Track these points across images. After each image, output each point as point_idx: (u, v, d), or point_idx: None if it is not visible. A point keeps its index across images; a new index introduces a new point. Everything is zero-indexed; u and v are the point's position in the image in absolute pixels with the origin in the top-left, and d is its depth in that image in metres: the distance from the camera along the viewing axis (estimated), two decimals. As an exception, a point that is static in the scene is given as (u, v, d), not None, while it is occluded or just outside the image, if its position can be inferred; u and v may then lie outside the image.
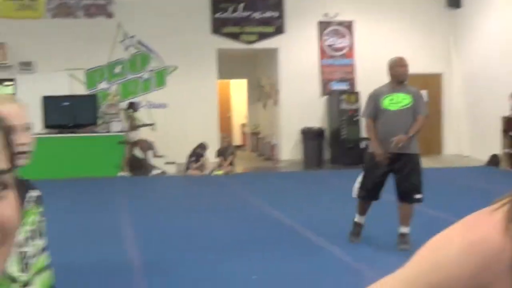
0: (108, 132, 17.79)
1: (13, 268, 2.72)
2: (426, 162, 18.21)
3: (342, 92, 19.27)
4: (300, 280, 7.30)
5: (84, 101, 18.34)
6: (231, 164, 18.35)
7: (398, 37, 20.00)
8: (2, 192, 0.96)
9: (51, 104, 17.61)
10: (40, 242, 2.85)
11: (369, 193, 8.65)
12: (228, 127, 25.38)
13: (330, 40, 20.12)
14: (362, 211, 8.79)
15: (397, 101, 8.49)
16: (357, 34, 20.17)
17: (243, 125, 26.16)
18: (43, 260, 2.86)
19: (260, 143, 22.77)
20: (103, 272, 7.67)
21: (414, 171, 8.47)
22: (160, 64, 19.39)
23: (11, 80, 18.37)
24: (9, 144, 1.01)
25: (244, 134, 26.22)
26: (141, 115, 18.84)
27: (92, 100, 18.41)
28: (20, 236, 2.73)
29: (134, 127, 17.84)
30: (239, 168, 19.14)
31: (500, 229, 1.14)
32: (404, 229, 8.46)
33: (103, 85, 19.04)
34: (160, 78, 19.44)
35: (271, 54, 20.33)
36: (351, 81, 19.72)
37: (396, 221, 8.51)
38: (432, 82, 20.41)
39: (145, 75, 19.38)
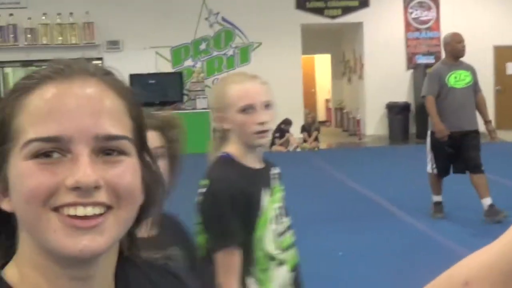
0: (194, 109, 18.08)
1: (270, 247, 2.75)
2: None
3: (428, 65, 19.07)
4: (389, 256, 7.38)
5: (170, 78, 18.76)
6: (316, 139, 18.52)
7: (484, 8, 19.76)
8: (118, 157, 1.03)
9: (138, 82, 17.96)
10: (286, 219, 2.89)
11: (443, 170, 8.77)
12: (313, 102, 25.53)
13: (415, 13, 20.01)
14: (438, 191, 8.91)
15: (461, 79, 8.61)
16: (443, 6, 20.03)
17: (327, 101, 26.25)
18: (290, 237, 2.89)
19: (344, 118, 22.82)
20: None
21: (478, 145, 8.66)
22: (244, 40, 19.65)
23: (99, 59, 18.82)
24: (135, 117, 1.10)
25: (328, 109, 26.31)
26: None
27: (177, 77, 18.80)
28: (271, 213, 2.77)
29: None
30: (323, 144, 19.29)
31: None
32: (487, 200, 8.57)
33: (188, 63, 19.42)
34: (244, 54, 19.70)
35: (356, 28, 20.35)
36: (437, 54, 19.48)
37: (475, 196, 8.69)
38: (522, 53, 20.09)
39: (230, 51, 19.68)
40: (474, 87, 8.70)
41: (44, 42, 18.83)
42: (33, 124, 1.02)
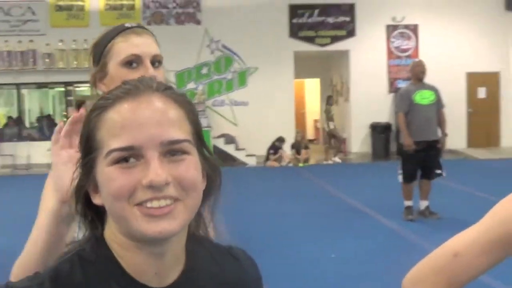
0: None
1: None
2: (485, 154, 19.46)
3: (408, 89, 20.30)
4: (371, 256, 7.96)
5: (174, 99, 19.88)
6: (305, 156, 19.64)
7: (459, 39, 21.09)
8: (182, 156, 1.22)
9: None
10: None
11: (411, 176, 9.97)
12: (303, 122, 26.59)
13: (397, 42, 21.29)
14: (409, 196, 10.09)
15: (426, 97, 9.93)
16: (421, 36, 21.29)
17: (316, 121, 27.28)
18: None
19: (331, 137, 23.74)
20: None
21: (439, 154, 9.95)
22: (242, 65, 20.87)
23: None
24: (193, 121, 1.28)
25: (316, 128, 27.32)
26: (225, 112, 20.53)
27: (182, 98, 19.95)
28: None
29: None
30: (312, 159, 20.31)
31: None
32: (426, 203, 10.04)
33: (191, 85, 20.61)
34: (242, 78, 20.93)
35: (343, 55, 21.47)
36: (416, 80, 20.82)
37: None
38: (491, 79, 21.51)
39: (229, 75, 20.92)
40: (438, 104, 9.99)
41: (60, 66, 20.24)
42: (112, 136, 1.21)
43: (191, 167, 1.23)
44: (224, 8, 20.65)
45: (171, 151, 1.21)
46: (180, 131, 1.22)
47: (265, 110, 20.58)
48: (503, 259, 1.46)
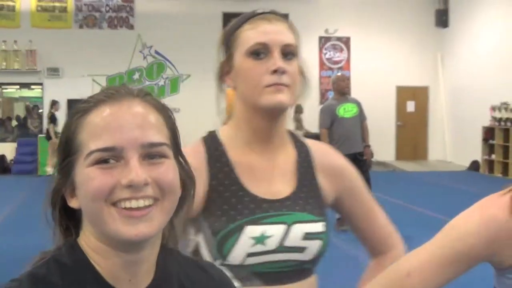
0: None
1: None
2: (413, 166, 19.85)
3: (339, 101, 20.56)
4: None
5: (104, 104, 19.68)
6: None
7: (390, 53, 21.42)
8: (160, 159, 1.23)
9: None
10: None
11: None
12: None
13: (329, 54, 21.54)
14: None
15: (349, 110, 10.00)
16: (353, 49, 21.55)
17: None
18: None
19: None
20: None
21: (365, 166, 9.88)
22: (175, 72, 20.86)
23: (39, 84, 19.93)
24: (170, 128, 1.31)
25: None
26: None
27: (112, 103, 19.77)
28: None
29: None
30: None
31: (507, 209, 1.45)
32: None
33: None
34: (174, 85, 20.91)
35: None
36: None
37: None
38: (420, 94, 21.96)
39: (161, 82, 20.88)
40: (360, 117, 10.06)
41: None
42: (93, 138, 1.22)
43: (170, 170, 1.25)
44: (158, 14, 20.58)
45: (150, 154, 1.23)
46: (159, 135, 1.25)
47: (197, 118, 20.35)
48: (463, 272, 1.49)
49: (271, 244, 1.87)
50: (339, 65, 21.50)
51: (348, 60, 21.60)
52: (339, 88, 10.08)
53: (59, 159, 1.28)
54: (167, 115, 1.32)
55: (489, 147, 18.74)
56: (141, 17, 20.57)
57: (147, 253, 1.27)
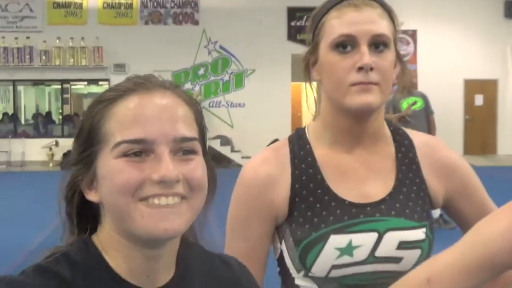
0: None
1: None
2: (482, 161, 19.55)
3: (406, 94, 20.50)
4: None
5: (171, 100, 19.97)
6: None
7: (457, 45, 21.14)
8: (191, 155, 1.19)
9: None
10: None
11: None
12: (299, 125, 25.51)
13: None
14: None
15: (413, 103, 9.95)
16: (420, 42, 21.32)
17: None
18: None
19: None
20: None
21: None
22: (239, 67, 20.90)
23: (106, 80, 20.21)
24: (199, 123, 1.26)
25: None
26: (221, 113, 20.53)
27: (178, 99, 20.02)
28: None
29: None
30: None
31: None
32: (439, 211, 9.86)
33: (187, 86, 20.47)
34: (239, 80, 20.96)
35: None
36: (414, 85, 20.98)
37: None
38: (489, 87, 21.59)
39: (226, 77, 20.94)
40: (426, 110, 9.98)
41: (57, 63, 20.25)
42: (121, 129, 1.16)
43: (199, 167, 1.20)
44: (222, 9, 20.64)
45: (181, 149, 1.18)
46: (190, 130, 1.20)
47: (262, 112, 20.58)
48: (488, 280, 1.34)
49: (360, 255, 1.69)
50: (406, 59, 20.53)
51: (414, 54, 21.36)
52: (403, 82, 9.93)
53: (79, 149, 1.22)
54: (196, 109, 1.26)
55: (561, 141, 18.32)
56: (206, 12, 20.66)
57: (167, 249, 1.23)
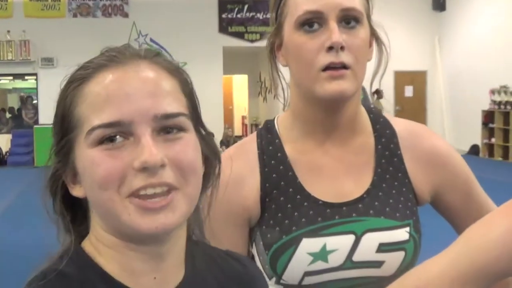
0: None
1: None
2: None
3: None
4: None
5: (99, 93, 19.73)
6: None
7: (387, 37, 21.32)
8: (178, 133, 1.03)
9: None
10: None
11: None
12: (230, 118, 26.58)
13: None
14: None
15: None
16: None
17: (244, 117, 27.38)
18: None
19: (259, 133, 23.85)
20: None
21: None
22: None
23: (34, 74, 19.79)
24: (188, 94, 1.11)
25: (244, 125, 27.41)
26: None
27: (106, 92, 19.79)
28: None
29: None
30: None
31: None
32: None
33: None
34: None
35: None
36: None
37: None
38: (418, 78, 22.01)
39: None
40: (366, 102, 10.15)
41: None
42: (94, 111, 1.01)
43: (189, 147, 1.05)
44: (152, 1, 20.44)
45: (165, 127, 1.03)
46: (174, 104, 1.05)
47: (194, 105, 20.40)
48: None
49: (336, 260, 1.52)
50: (337, 50, 21.29)
51: (345, 45, 21.38)
52: (380, 63, 10.05)
53: (57, 139, 1.08)
54: (183, 78, 1.12)
55: (489, 131, 18.77)
56: (135, 4, 20.42)
57: (171, 246, 1.09)
